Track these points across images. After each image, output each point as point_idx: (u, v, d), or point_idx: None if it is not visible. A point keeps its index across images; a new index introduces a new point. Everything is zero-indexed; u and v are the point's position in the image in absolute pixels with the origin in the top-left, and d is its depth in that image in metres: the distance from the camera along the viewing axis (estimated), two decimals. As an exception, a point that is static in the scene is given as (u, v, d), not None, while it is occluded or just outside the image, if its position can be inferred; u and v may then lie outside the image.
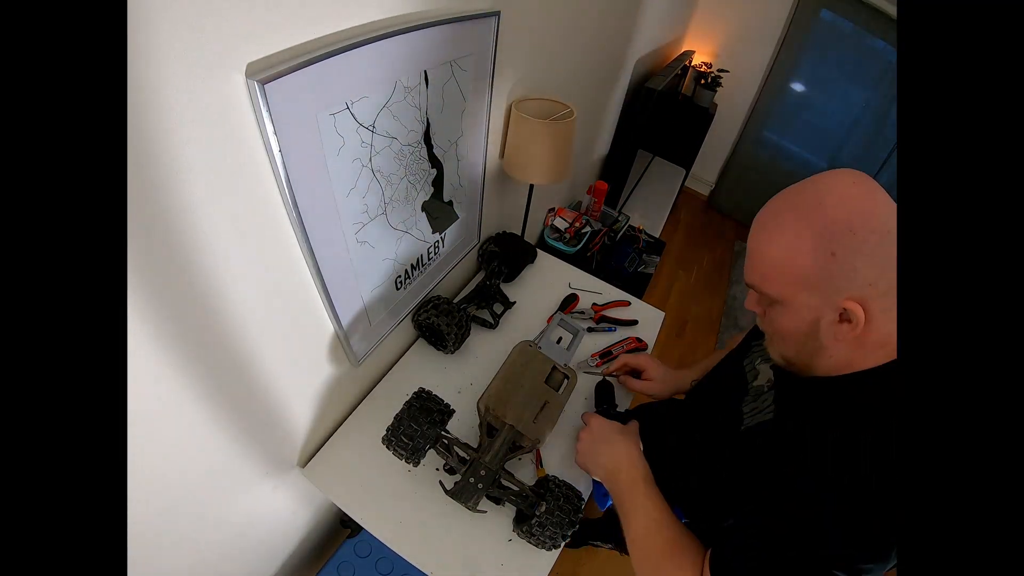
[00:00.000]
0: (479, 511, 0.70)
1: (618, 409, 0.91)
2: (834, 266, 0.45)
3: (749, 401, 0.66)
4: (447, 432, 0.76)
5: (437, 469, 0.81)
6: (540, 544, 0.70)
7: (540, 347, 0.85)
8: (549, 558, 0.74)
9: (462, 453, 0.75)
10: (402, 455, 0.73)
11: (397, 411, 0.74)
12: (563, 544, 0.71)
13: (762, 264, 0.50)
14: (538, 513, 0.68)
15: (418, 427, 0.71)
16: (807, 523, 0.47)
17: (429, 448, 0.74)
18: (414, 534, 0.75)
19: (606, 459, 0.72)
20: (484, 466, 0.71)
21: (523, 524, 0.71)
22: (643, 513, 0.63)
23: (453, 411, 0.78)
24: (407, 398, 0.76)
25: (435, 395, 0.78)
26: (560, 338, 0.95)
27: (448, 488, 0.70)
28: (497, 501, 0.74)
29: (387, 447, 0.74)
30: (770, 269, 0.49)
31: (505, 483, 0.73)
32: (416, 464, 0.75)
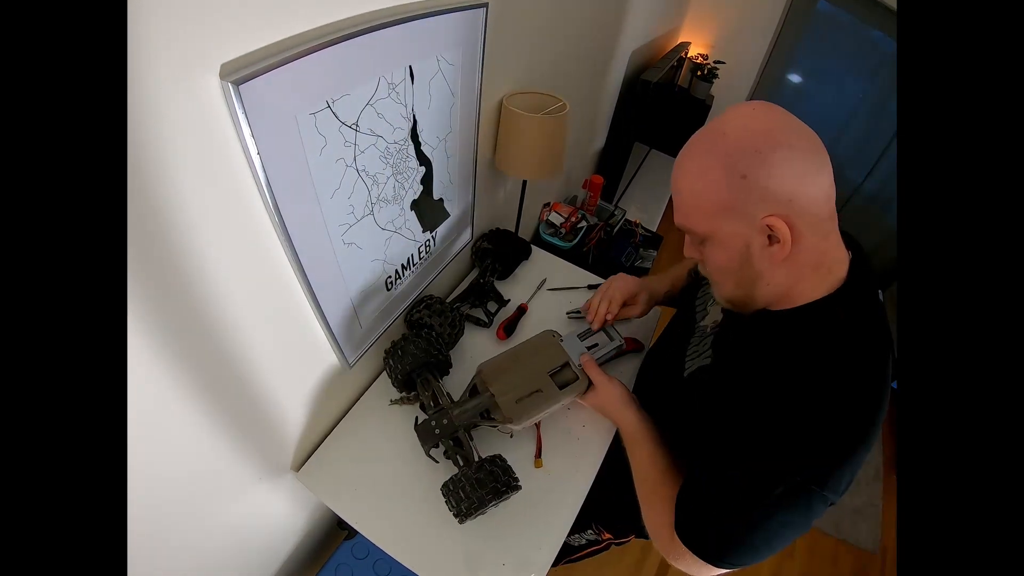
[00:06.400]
0: (431, 458, 0.74)
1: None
2: (747, 188, 0.45)
3: (692, 344, 0.70)
4: (435, 374, 0.82)
5: (416, 416, 0.80)
6: (448, 505, 0.70)
7: (562, 340, 0.85)
8: (547, 559, 0.74)
9: (439, 397, 0.78)
10: (394, 378, 0.81)
11: (394, 411, 0.79)
12: (460, 519, 0.69)
13: (683, 202, 0.51)
14: (456, 476, 0.69)
15: (417, 352, 0.78)
16: (750, 453, 0.50)
17: (417, 378, 0.80)
18: (409, 536, 0.74)
19: (615, 421, 0.76)
20: (449, 417, 0.74)
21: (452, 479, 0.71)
22: (634, 468, 0.69)
23: (451, 365, 0.84)
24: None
25: (442, 341, 0.83)
26: (596, 344, 0.90)
27: (417, 424, 0.75)
28: (449, 455, 0.76)
29: (384, 359, 0.82)
30: (691, 205, 0.50)
31: (461, 439, 0.75)
32: (401, 392, 0.84)
